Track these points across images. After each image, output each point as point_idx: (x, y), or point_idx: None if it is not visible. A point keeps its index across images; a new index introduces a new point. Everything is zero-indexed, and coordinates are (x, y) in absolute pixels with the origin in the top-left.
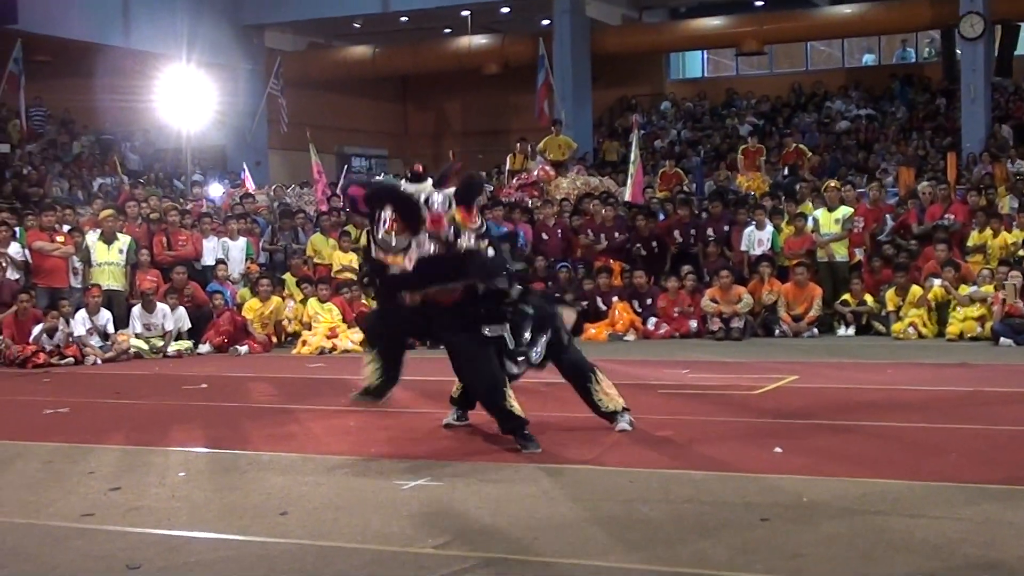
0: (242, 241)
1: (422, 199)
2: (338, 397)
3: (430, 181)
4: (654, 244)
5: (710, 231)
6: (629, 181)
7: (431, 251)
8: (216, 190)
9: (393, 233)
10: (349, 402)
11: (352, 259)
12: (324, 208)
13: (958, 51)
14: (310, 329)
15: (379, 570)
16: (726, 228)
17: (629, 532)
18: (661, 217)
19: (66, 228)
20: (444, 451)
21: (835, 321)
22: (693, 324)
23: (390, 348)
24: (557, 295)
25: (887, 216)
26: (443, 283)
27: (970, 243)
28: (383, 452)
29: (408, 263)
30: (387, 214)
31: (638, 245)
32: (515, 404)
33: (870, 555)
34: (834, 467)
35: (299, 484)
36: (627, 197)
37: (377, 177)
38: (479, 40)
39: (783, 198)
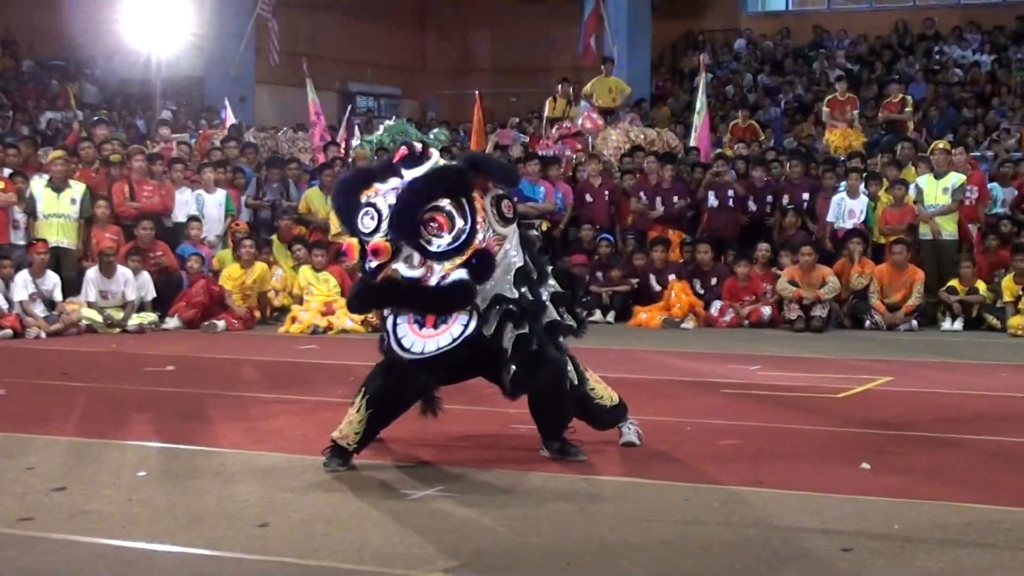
0: (220, 194)
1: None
2: (333, 386)
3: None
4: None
5: (786, 198)
6: (693, 135)
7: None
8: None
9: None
10: (324, 469)
11: None
12: (321, 158)
13: None
14: (301, 303)
15: None
16: (805, 195)
17: (683, 560)
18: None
19: (6, 172)
20: (460, 456)
21: (939, 312)
22: (766, 311)
23: (389, 411)
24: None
25: (995, 186)
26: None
27: None
28: (386, 455)
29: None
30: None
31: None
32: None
33: None
34: (934, 489)
35: (283, 490)
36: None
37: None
38: None
39: (880, 161)
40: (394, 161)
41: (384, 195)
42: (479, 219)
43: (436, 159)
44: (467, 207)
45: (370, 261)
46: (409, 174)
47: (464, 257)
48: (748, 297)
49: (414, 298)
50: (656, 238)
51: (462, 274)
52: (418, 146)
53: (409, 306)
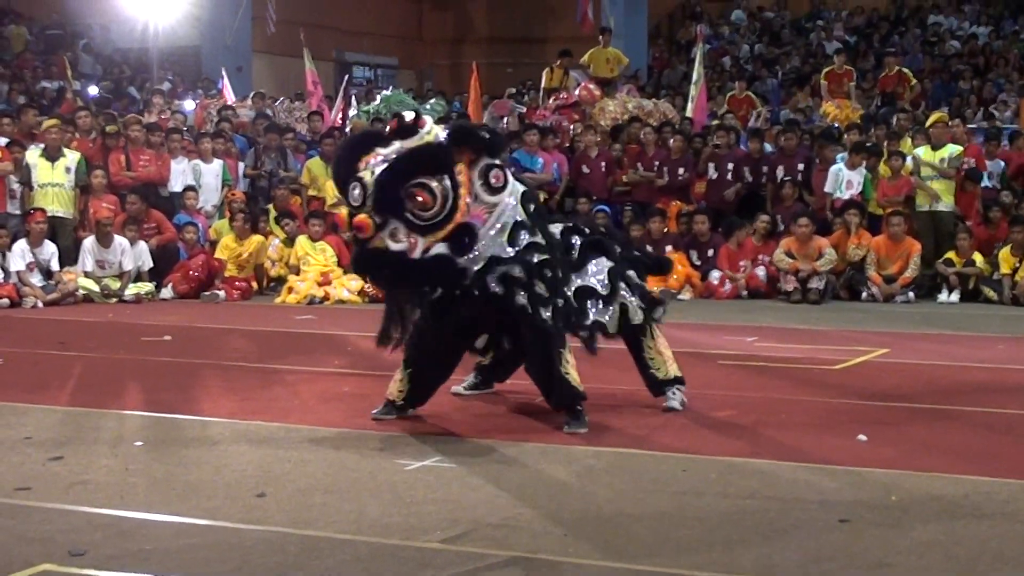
0: (217, 164)
1: None
2: (330, 356)
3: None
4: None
5: (780, 169)
6: (690, 105)
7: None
8: (191, 105)
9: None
10: (371, 417)
11: None
12: (338, 123)
13: None
14: (298, 274)
15: (375, 567)
16: (800, 166)
17: (679, 531)
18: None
19: (3, 141)
20: (458, 425)
21: (936, 284)
22: (761, 271)
23: (431, 370)
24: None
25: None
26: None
27: None
28: (384, 425)
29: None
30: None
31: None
32: (573, 373)
33: (972, 568)
34: (930, 460)
35: (281, 460)
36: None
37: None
38: None
39: (873, 132)
40: (386, 132)
41: (373, 168)
42: (462, 193)
43: (430, 127)
44: (449, 182)
45: (357, 234)
46: (401, 145)
47: (446, 231)
48: (743, 262)
49: (399, 269)
50: (653, 209)
51: (441, 248)
52: (410, 115)
53: (395, 279)
